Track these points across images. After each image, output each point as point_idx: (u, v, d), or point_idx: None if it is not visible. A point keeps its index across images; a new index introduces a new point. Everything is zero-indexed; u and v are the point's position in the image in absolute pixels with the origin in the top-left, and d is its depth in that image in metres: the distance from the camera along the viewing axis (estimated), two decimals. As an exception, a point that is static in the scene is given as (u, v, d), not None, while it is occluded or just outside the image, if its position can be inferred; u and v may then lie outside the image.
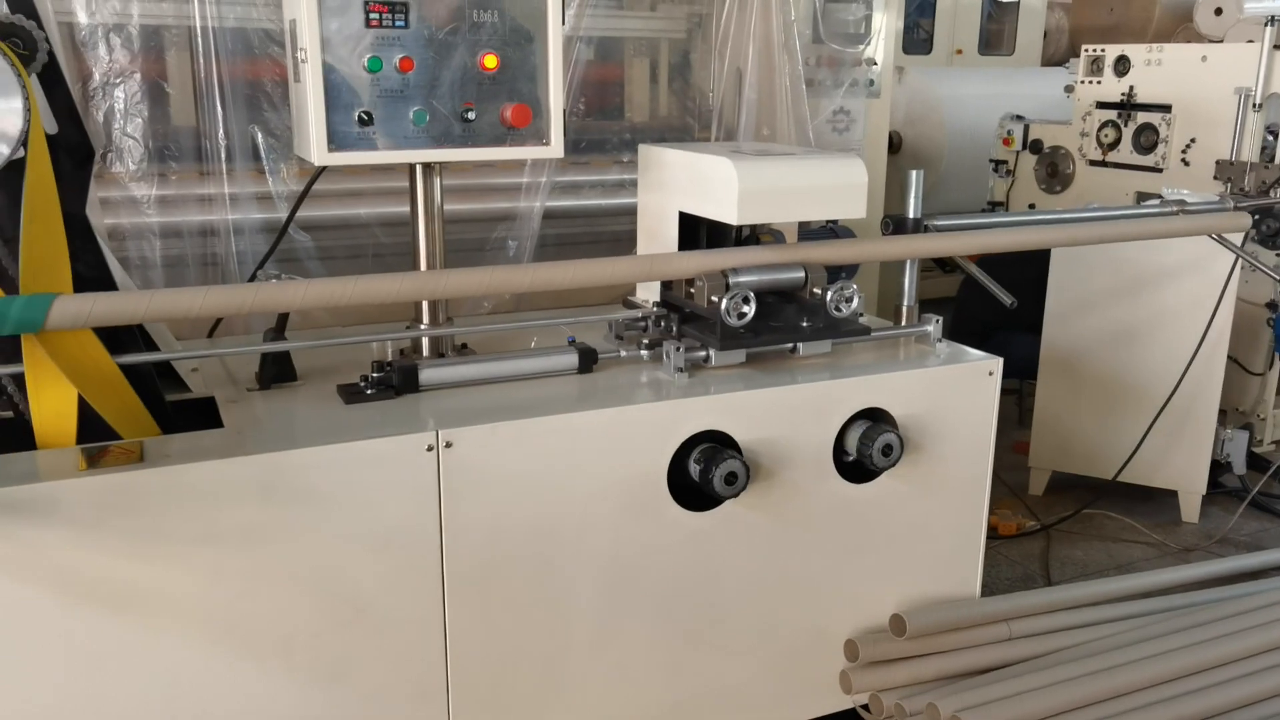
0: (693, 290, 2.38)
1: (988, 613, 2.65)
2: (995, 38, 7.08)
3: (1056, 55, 7.04)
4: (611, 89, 3.36)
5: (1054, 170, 4.78)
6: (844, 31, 3.75)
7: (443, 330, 2.40)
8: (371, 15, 2.07)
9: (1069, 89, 4.85)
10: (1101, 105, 4.53)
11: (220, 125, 2.66)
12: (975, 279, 2.84)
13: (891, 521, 2.49)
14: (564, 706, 2.22)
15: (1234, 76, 4.05)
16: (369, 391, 2.15)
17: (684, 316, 2.45)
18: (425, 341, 2.40)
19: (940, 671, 2.53)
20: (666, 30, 3.49)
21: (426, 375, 2.19)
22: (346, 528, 1.92)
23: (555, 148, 2.28)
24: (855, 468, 2.38)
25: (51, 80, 1.88)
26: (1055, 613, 2.75)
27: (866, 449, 2.31)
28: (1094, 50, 4.58)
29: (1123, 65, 4.47)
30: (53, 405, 1.85)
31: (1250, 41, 4.13)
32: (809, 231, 2.61)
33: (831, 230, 2.60)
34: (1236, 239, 3.39)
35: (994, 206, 5.03)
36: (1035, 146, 4.84)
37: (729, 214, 2.27)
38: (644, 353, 2.41)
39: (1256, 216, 3.66)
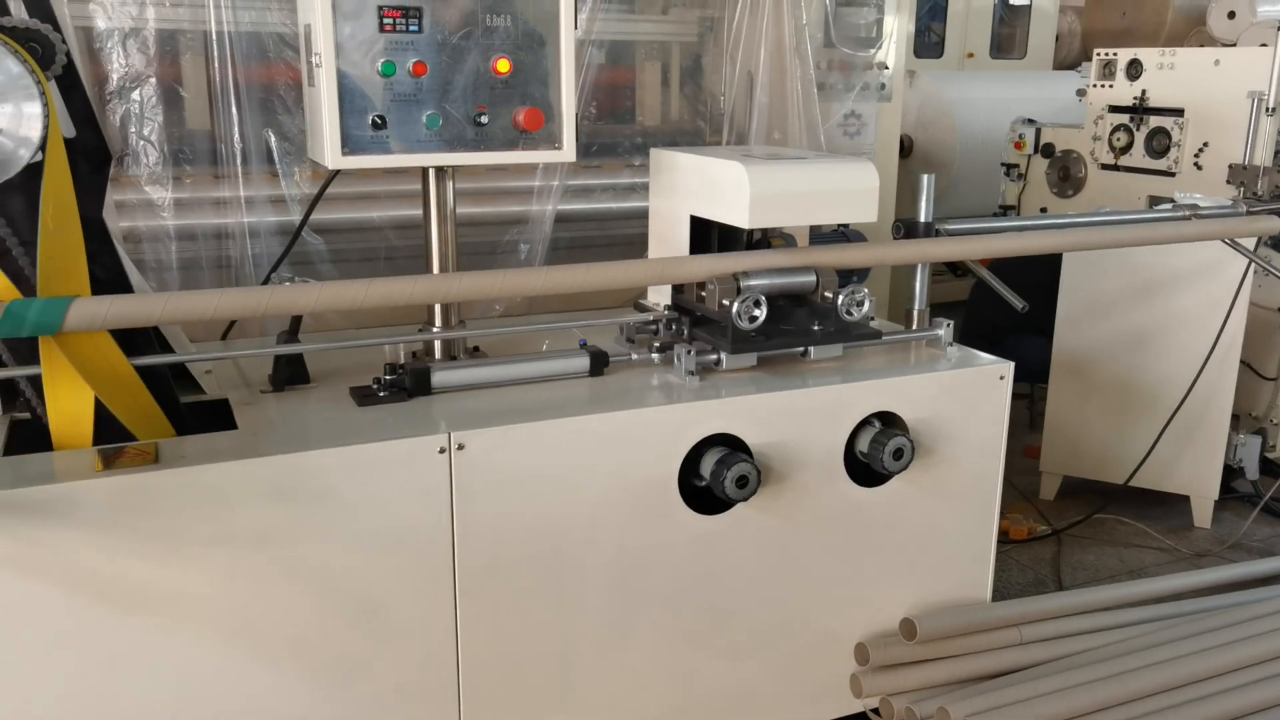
0: (704, 293, 2.38)
1: (999, 617, 2.64)
2: (1007, 41, 7.06)
3: (1068, 59, 7.02)
4: (623, 93, 3.37)
5: (1066, 174, 4.77)
6: (855, 35, 3.75)
7: (455, 333, 2.41)
8: (385, 20, 2.08)
9: (1081, 93, 4.84)
10: (1114, 109, 4.52)
11: (235, 129, 2.68)
12: (986, 283, 2.84)
13: (902, 525, 2.49)
14: (574, 707, 2.23)
15: (1247, 80, 4.04)
16: (382, 394, 2.16)
17: (695, 320, 2.46)
18: (437, 344, 2.41)
19: (951, 676, 2.53)
20: (678, 34, 3.50)
21: (439, 378, 2.20)
22: (359, 529, 1.93)
23: (567, 152, 2.29)
24: (866, 471, 2.39)
25: (69, 85, 1.90)
26: (1067, 617, 2.75)
27: (877, 453, 2.31)
28: (1106, 54, 4.57)
29: (1135, 69, 4.45)
30: (69, 407, 1.86)
31: (1263, 45, 4.12)
32: (820, 235, 2.62)
33: (843, 234, 2.61)
34: (1249, 243, 3.38)
35: (1005, 210, 5.02)
36: (1047, 150, 4.83)
37: (741, 218, 2.28)
38: (655, 356, 2.42)
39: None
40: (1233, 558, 3.62)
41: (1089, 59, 4.74)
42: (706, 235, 2.52)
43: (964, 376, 2.50)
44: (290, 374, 2.25)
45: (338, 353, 2.40)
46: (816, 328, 2.42)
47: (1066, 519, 3.81)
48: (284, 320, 2.26)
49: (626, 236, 3.17)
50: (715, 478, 2.15)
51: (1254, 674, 2.59)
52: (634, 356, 2.42)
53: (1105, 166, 4.58)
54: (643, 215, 2.74)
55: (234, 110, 2.67)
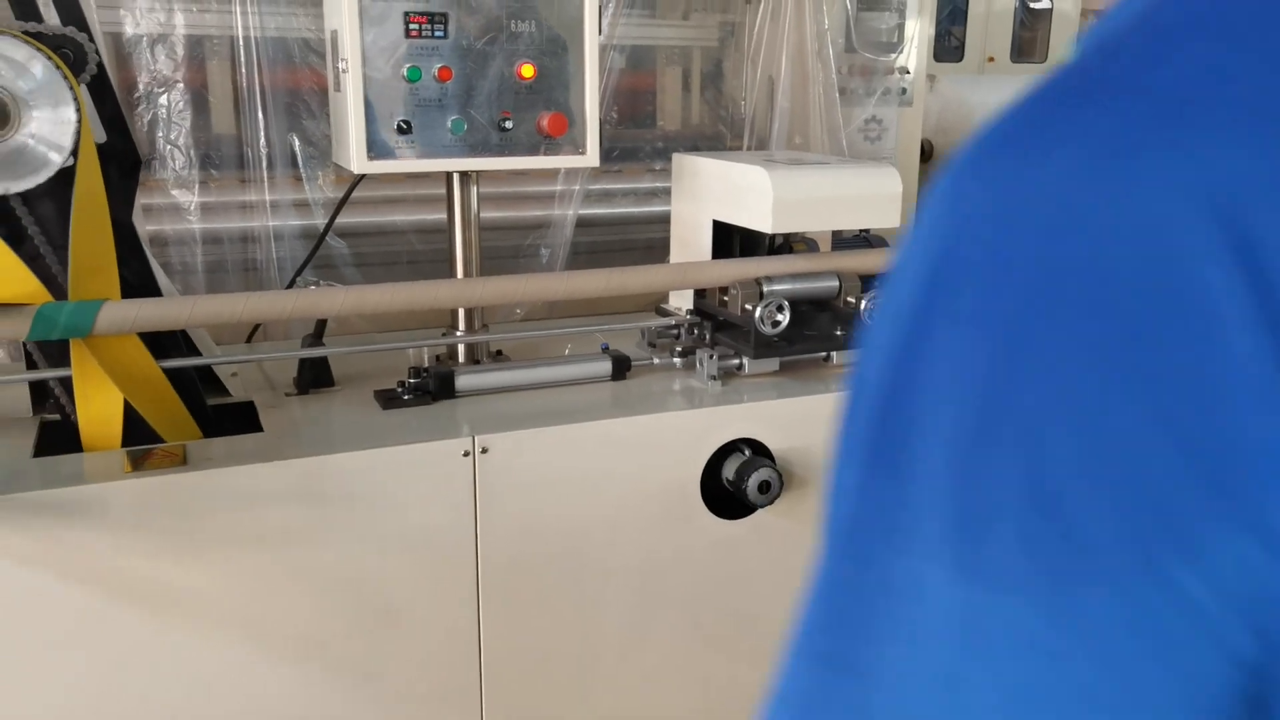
0: (726, 298, 2.39)
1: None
2: (1028, 45, 7.03)
3: (1090, 63, 7.00)
4: (644, 97, 3.37)
5: (1088, 179, 4.76)
6: (876, 40, 3.75)
7: (479, 337, 2.42)
8: (411, 26, 2.10)
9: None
10: (1136, 114, 4.50)
11: (261, 133, 2.70)
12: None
13: (924, 531, 2.48)
14: (594, 709, 2.24)
15: (1272, 85, 4.02)
16: (406, 397, 2.17)
17: (717, 324, 2.46)
18: (461, 348, 2.42)
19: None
20: (699, 39, 3.51)
21: (463, 381, 2.22)
22: (383, 531, 1.95)
23: (591, 156, 2.30)
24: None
25: (100, 91, 1.92)
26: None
27: (899, 458, 2.30)
28: (1129, 58, 4.56)
29: (1158, 73, 4.44)
30: (99, 409, 1.88)
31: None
32: (842, 240, 2.62)
33: (865, 239, 2.61)
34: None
35: (1027, 215, 5.01)
36: (1069, 155, 4.82)
37: (763, 223, 2.28)
38: (677, 360, 2.42)
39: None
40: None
41: (1111, 63, 4.73)
42: (728, 240, 2.53)
43: (986, 382, 2.49)
44: (315, 377, 2.27)
45: (361, 356, 2.42)
46: (839, 332, 2.42)
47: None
48: (309, 323, 2.28)
49: (647, 241, 3.18)
50: (738, 483, 2.15)
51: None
52: (656, 361, 2.43)
53: (1128, 171, 4.56)
54: (663, 220, 2.74)
55: (259, 115, 2.69)
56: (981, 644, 0.35)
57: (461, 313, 2.41)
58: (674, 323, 2.51)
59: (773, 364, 2.36)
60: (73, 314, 1.77)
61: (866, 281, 2.53)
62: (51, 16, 1.89)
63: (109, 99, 1.95)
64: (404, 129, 2.13)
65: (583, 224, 3.09)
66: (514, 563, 2.07)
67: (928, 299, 0.38)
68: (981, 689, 0.35)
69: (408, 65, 2.11)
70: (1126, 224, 0.33)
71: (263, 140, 2.69)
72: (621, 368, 2.35)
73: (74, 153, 1.72)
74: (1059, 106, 0.38)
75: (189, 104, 2.63)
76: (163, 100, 2.61)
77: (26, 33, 1.74)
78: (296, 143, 2.76)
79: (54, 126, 1.68)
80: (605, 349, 2.40)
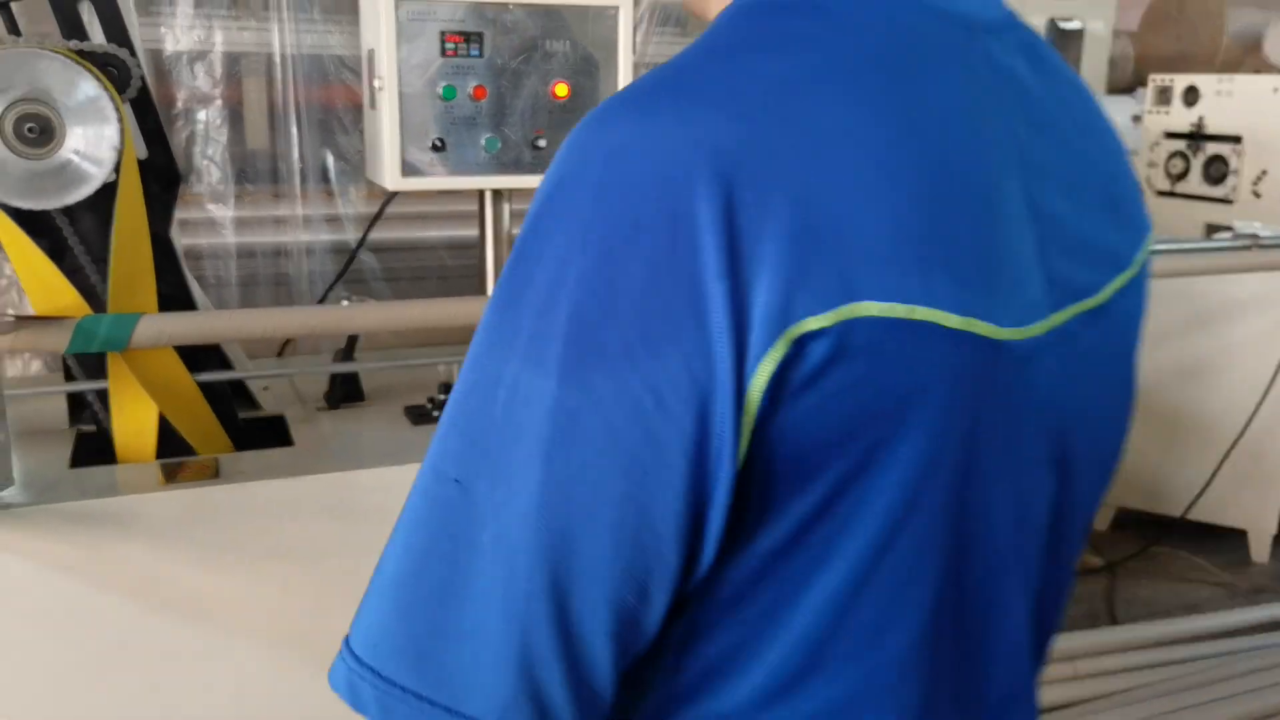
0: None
1: (1051, 651, 2.60)
2: (1059, 66, 7.00)
3: (1121, 83, 6.95)
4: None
5: (1120, 200, 4.71)
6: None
7: (508, 353, 2.43)
8: (447, 45, 2.12)
9: (1137, 118, 4.79)
10: (1170, 135, 4.47)
11: (295, 148, 2.73)
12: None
13: (953, 554, 2.46)
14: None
15: (1308, 108, 3.98)
16: (435, 413, 2.18)
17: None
18: (490, 364, 2.43)
19: (1001, 708, 2.50)
20: (730, 58, 3.52)
21: (492, 398, 2.22)
22: (412, 547, 1.95)
23: (623, 175, 2.30)
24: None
25: (143, 107, 1.95)
26: (1121, 652, 2.70)
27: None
28: (1162, 80, 4.53)
29: (1192, 95, 4.41)
30: (134, 421, 1.90)
31: (1326, 72, 4.06)
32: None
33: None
34: (1311, 273, 3.32)
35: (1058, 236, 4.97)
36: (1101, 176, 4.78)
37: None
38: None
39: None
40: (1292, 594, 3.54)
41: (1142, 84, 4.70)
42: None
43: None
44: (346, 392, 2.28)
45: (392, 371, 2.43)
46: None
47: (1121, 552, 3.75)
48: (340, 338, 2.29)
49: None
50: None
51: (1316, 715, 2.53)
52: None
53: (1161, 193, 4.52)
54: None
55: (294, 130, 2.72)
56: (540, 406, 0.56)
57: (492, 329, 2.42)
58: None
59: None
60: (111, 327, 1.79)
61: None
62: (97, 34, 1.92)
63: (151, 115, 1.98)
64: (438, 147, 2.14)
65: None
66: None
67: (548, 201, 0.58)
68: (559, 457, 0.55)
69: (443, 84, 2.13)
70: (653, 163, 0.54)
71: (296, 155, 2.72)
72: (651, 386, 2.35)
73: (116, 169, 1.74)
74: (632, 94, 0.59)
75: (226, 120, 2.67)
76: (201, 116, 2.64)
77: (73, 51, 1.77)
78: (330, 158, 2.79)
79: (97, 143, 1.70)
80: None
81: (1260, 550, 3.77)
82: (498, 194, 2.35)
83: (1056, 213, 0.67)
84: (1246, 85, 4.26)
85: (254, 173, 2.76)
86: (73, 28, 1.87)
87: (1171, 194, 4.47)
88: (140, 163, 1.89)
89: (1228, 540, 3.81)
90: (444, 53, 2.12)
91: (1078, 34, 7.05)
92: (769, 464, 0.56)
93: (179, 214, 2.60)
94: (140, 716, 1.83)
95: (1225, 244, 3.18)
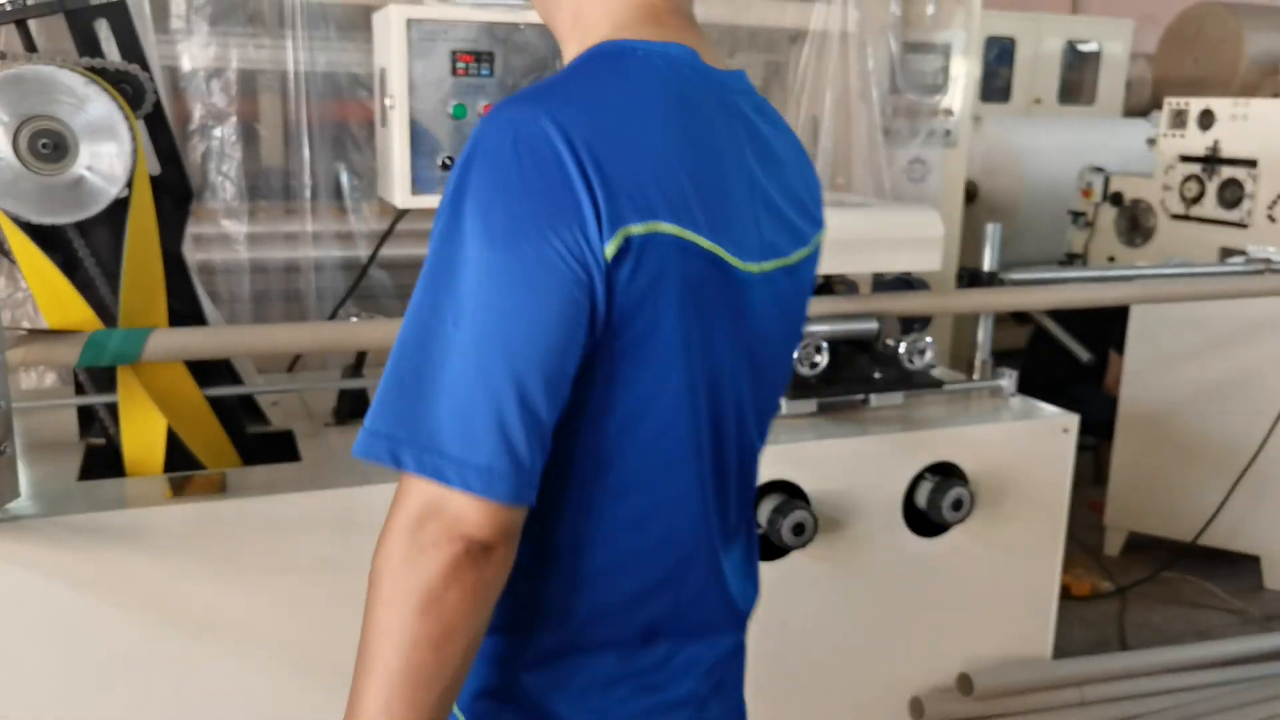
0: (765, 338, 2.39)
1: (1060, 675, 2.59)
2: (1075, 87, 7.00)
3: (1139, 106, 6.94)
4: (687, 135, 3.40)
5: (1135, 223, 4.70)
6: (921, 81, 3.75)
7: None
8: (459, 64, 2.13)
9: (1152, 141, 4.78)
10: (1185, 159, 4.45)
11: (307, 165, 2.75)
12: (1050, 333, 2.80)
13: (961, 578, 2.45)
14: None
15: (1324, 132, 3.97)
16: (443, 429, 2.18)
17: (755, 364, 2.46)
18: (498, 381, 2.43)
19: (1008, 734, 2.48)
20: (743, 78, 3.52)
21: (499, 415, 2.22)
22: (417, 564, 1.95)
23: (632, 194, 2.31)
24: (925, 521, 2.36)
25: (157, 124, 1.97)
26: (1130, 678, 2.68)
27: (936, 503, 2.28)
28: (1177, 103, 4.52)
29: (1207, 119, 4.39)
30: (143, 435, 1.92)
31: (1342, 97, 4.04)
32: (882, 282, 2.61)
33: (906, 281, 2.59)
34: (1326, 299, 3.30)
35: (1072, 259, 4.95)
36: (1115, 199, 4.77)
37: (803, 264, 2.28)
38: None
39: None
40: (1305, 622, 3.50)
41: (1160, 106, 4.68)
42: (768, 280, 2.53)
43: (1027, 428, 2.47)
44: (354, 408, 2.29)
45: (401, 387, 2.44)
46: (878, 375, 2.40)
47: (1131, 576, 3.72)
48: (348, 354, 2.30)
49: (687, 278, 3.19)
50: (772, 525, 2.14)
51: (1327, 746, 2.50)
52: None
53: (1176, 216, 4.50)
54: (704, 258, 2.75)
55: (306, 147, 2.74)
56: (484, 271, 0.87)
57: (500, 347, 2.42)
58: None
59: (810, 405, 2.35)
60: (122, 341, 1.80)
61: (907, 324, 2.52)
62: (113, 52, 1.94)
63: (164, 133, 2.00)
64: (448, 165, 2.16)
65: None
66: (546, 598, 2.06)
67: (469, 156, 0.90)
68: (493, 296, 0.87)
69: (454, 102, 2.14)
70: (539, 130, 0.88)
71: (308, 172, 2.74)
72: (658, 405, 2.35)
73: (129, 184, 1.76)
74: (522, 95, 0.93)
75: (240, 136, 2.69)
76: (216, 133, 2.67)
77: (88, 68, 1.80)
78: (344, 175, 2.81)
79: (110, 159, 1.72)
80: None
81: (1274, 576, 3.74)
82: (508, 212, 2.36)
83: (769, 201, 1.06)
84: (1262, 109, 4.25)
85: (267, 189, 2.78)
86: (88, 45, 1.90)
87: (1186, 217, 4.45)
88: (153, 179, 1.91)
89: (1240, 566, 3.77)
90: (455, 71, 2.14)
91: (1094, 56, 7.06)
92: (609, 307, 0.91)
93: (193, 229, 2.62)
94: (143, 730, 1.84)
95: (1237, 269, 3.16)
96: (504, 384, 0.86)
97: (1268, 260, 3.16)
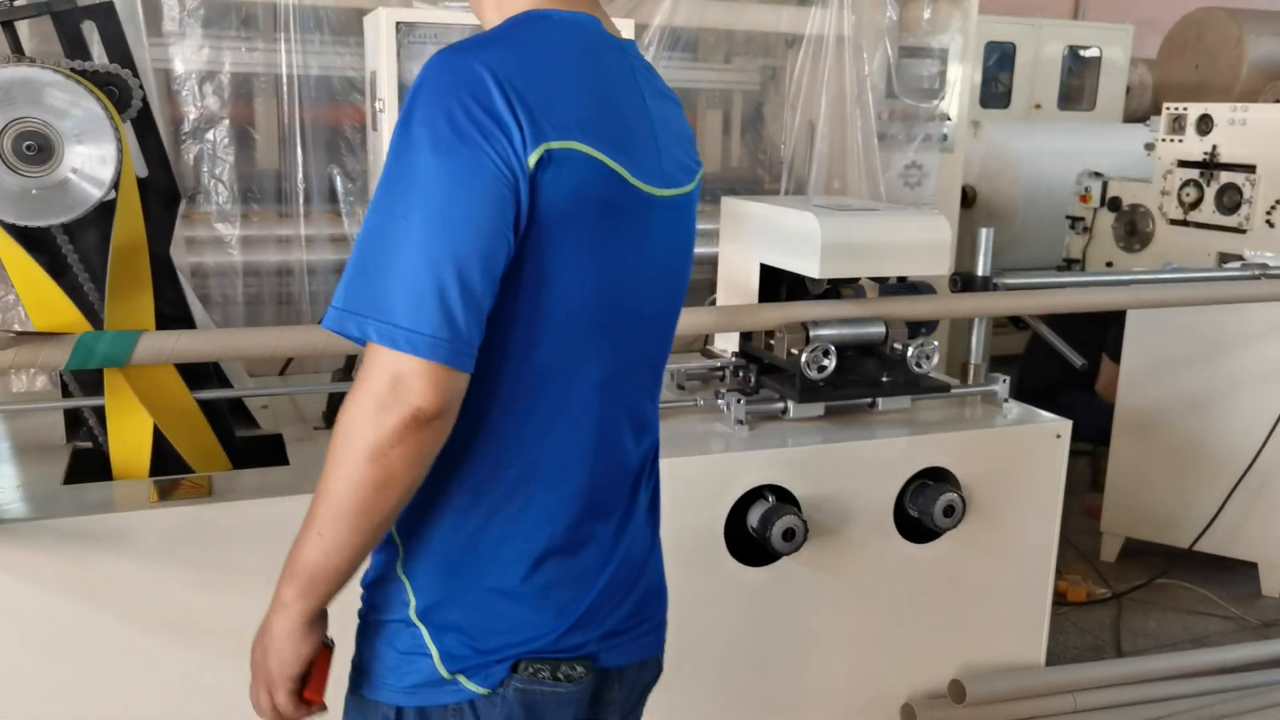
0: (772, 342, 2.37)
1: (1052, 682, 2.57)
2: (1075, 93, 6.99)
3: (1139, 111, 6.92)
4: (683, 140, 3.39)
5: (1133, 228, 4.69)
6: (918, 86, 3.75)
7: (507, 375, 2.43)
8: (449, 68, 2.12)
9: (1150, 147, 4.77)
10: (1183, 164, 4.44)
11: (300, 169, 2.74)
12: (1044, 338, 2.79)
13: (953, 583, 2.44)
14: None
15: (1323, 137, 3.95)
16: (432, 434, 2.18)
17: (763, 368, 2.45)
18: (490, 385, 2.43)
19: (1001, 741, 2.47)
20: (740, 82, 3.52)
21: (489, 419, 2.21)
22: (405, 568, 1.94)
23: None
24: (917, 527, 2.35)
25: (144, 127, 1.97)
26: (1124, 686, 2.66)
27: (928, 508, 2.27)
28: (1176, 109, 4.51)
29: (1205, 124, 4.38)
30: (130, 438, 1.91)
31: (1340, 102, 4.03)
32: (889, 286, 2.59)
33: (912, 285, 2.58)
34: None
35: (1070, 264, 4.94)
36: (1114, 204, 4.76)
37: (811, 267, 2.27)
38: (718, 401, 2.39)
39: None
40: (1302, 629, 3.49)
41: (1160, 112, 4.67)
42: (775, 283, 2.52)
43: (1020, 434, 2.46)
44: (345, 411, 2.28)
45: (392, 391, 2.43)
46: (885, 379, 2.39)
47: (1127, 582, 3.70)
48: (339, 358, 2.30)
49: (692, 283, 3.18)
50: (762, 530, 2.13)
51: (1322, 754, 2.49)
52: (693, 402, 2.41)
53: (1174, 222, 4.49)
54: (703, 261, 2.74)
55: (299, 150, 2.74)
56: (430, 174, 1.07)
57: (492, 351, 2.42)
58: (719, 365, 2.51)
59: (818, 408, 2.34)
60: (112, 344, 1.80)
61: (914, 328, 2.51)
62: (100, 54, 1.94)
63: (152, 135, 2.00)
64: (439, 168, 2.15)
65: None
66: (534, 604, 2.05)
67: (416, 91, 1.10)
68: (436, 193, 1.07)
69: (445, 106, 2.13)
70: (471, 69, 1.09)
71: (301, 175, 2.73)
72: (649, 410, 2.34)
73: (115, 187, 1.75)
74: (459, 45, 1.13)
75: (233, 139, 2.69)
76: (209, 136, 2.66)
77: (75, 70, 1.79)
78: (338, 178, 2.81)
79: (96, 161, 1.72)
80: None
81: (1271, 583, 3.72)
82: (499, 216, 2.35)
83: (661, 141, 1.26)
84: (1261, 114, 4.24)
85: (260, 192, 2.78)
86: (76, 48, 1.89)
87: (1184, 223, 4.44)
88: (140, 181, 1.91)
89: (1237, 572, 3.76)
90: (446, 75, 2.13)
91: (1095, 61, 7.05)
92: (532, 208, 1.10)
93: (186, 233, 2.62)
94: (127, 734, 1.83)
95: (1233, 274, 3.15)
96: (445, 265, 1.04)
97: (1263, 265, 3.15)
